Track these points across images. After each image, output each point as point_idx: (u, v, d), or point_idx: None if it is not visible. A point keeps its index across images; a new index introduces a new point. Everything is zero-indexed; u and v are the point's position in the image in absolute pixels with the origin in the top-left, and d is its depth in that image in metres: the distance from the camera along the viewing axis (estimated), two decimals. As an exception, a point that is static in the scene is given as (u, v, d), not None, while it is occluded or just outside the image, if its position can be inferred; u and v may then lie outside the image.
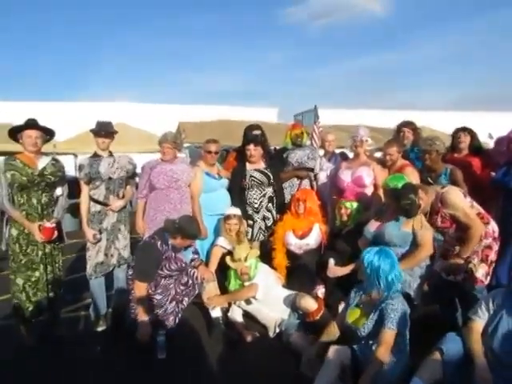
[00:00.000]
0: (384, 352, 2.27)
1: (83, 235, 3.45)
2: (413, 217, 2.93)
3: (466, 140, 3.96)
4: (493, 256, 3.01)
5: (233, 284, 3.37)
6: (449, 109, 20.12)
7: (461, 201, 2.95)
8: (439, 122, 12.38)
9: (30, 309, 3.07)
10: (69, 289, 3.63)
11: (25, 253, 3.04)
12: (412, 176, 3.46)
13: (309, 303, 3.04)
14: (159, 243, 3.02)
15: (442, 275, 3.03)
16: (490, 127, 11.17)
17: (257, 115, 13.64)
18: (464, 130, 4.03)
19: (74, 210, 5.35)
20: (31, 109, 16.06)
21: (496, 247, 3.02)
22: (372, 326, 2.40)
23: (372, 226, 3.17)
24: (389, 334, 2.29)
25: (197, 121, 11.81)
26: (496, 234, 3.02)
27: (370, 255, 2.46)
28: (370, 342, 2.39)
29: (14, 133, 3.09)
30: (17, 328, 3.14)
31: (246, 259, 3.29)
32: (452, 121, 8.29)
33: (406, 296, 2.80)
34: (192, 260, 3.34)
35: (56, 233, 3.10)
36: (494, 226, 3.03)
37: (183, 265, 3.14)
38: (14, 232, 3.03)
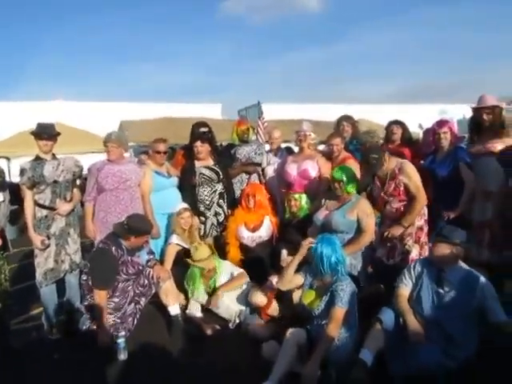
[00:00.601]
0: (334, 328, 2.47)
1: (26, 243, 3.31)
2: (375, 172, 3.32)
3: (398, 132, 4.32)
4: (424, 237, 3.34)
5: (198, 283, 3.38)
6: (384, 102, 21.31)
7: (415, 173, 3.27)
8: (376, 115, 13.11)
9: (-24, 323, 2.93)
10: (15, 299, 3.48)
11: (-33, 264, 2.89)
12: (354, 166, 3.73)
13: (259, 299, 3.16)
14: (113, 248, 2.99)
15: (383, 260, 3.33)
16: (420, 118, 12.05)
17: (201, 112, 13.50)
18: (396, 122, 4.41)
19: (12, 218, 5.09)
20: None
21: (426, 229, 3.35)
22: (324, 306, 2.61)
23: (321, 215, 3.38)
24: (338, 311, 2.50)
25: (139, 119, 11.51)
26: (426, 217, 3.36)
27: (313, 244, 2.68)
28: (323, 322, 2.59)
29: None
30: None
31: (211, 256, 3.35)
32: (387, 113, 8.86)
33: (353, 277, 3.05)
34: (148, 261, 3.34)
35: (0, 240, 2.97)
36: (425, 210, 3.37)
37: (140, 267, 3.13)
38: (-47, 243, 2.87)
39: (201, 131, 4.24)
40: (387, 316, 2.56)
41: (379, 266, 3.43)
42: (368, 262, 3.40)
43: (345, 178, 3.24)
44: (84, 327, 3.29)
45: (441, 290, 2.52)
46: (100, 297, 2.96)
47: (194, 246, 3.38)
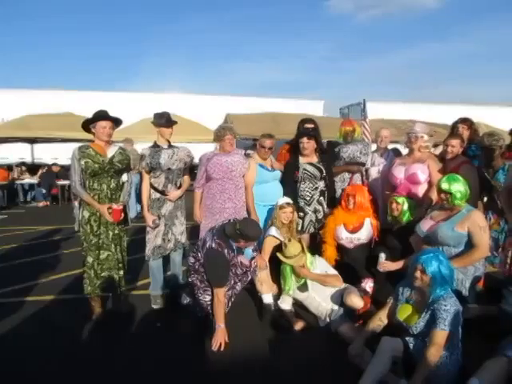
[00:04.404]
0: (435, 353, 2.26)
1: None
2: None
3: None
4: None
5: (289, 280, 3.34)
6: (504, 103, 18.99)
7: None
8: (493, 117, 11.79)
9: (98, 285, 3.35)
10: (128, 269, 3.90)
11: (95, 233, 3.30)
12: (470, 173, 3.44)
13: (355, 301, 3.06)
14: (226, 251, 3.07)
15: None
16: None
17: (303, 108, 13.50)
18: None
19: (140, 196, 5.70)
20: (86, 98, 16.83)
21: None
22: (424, 326, 2.41)
23: (424, 226, 3.14)
24: (441, 334, 2.29)
25: (243, 112, 11.89)
26: None
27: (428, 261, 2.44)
28: (422, 338, 2.42)
29: (87, 123, 3.32)
30: (86, 302, 3.43)
31: (301, 254, 3.28)
32: (505, 116, 7.91)
33: (458, 294, 2.80)
34: (252, 258, 3.35)
35: (123, 215, 3.34)
36: None
37: (247, 269, 3.23)
38: (86, 214, 3.29)
39: (307, 127, 4.24)
40: None
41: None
42: (478, 279, 3.08)
43: (453, 190, 2.97)
44: (184, 301, 3.56)
45: None
46: (221, 295, 3.06)
47: (285, 243, 3.36)
